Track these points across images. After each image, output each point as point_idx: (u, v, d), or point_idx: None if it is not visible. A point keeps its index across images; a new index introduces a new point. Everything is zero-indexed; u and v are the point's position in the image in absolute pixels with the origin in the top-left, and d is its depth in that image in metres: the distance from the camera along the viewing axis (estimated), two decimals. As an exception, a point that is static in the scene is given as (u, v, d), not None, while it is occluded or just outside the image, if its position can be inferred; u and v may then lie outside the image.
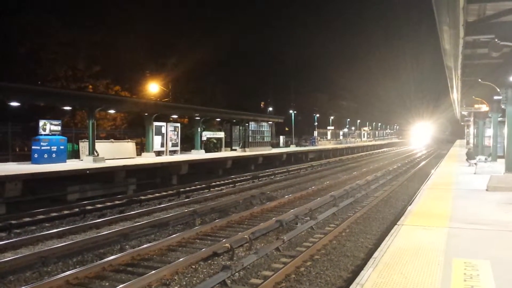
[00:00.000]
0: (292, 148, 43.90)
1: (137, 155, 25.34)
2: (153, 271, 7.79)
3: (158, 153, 26.21)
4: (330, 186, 21.34)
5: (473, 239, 7.46)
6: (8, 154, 22.48)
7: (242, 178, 24.22)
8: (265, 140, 37.33)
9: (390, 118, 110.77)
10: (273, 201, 16.14)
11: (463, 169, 21.09)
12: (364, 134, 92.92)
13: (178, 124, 29.16)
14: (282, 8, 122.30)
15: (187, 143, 32.73)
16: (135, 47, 45.08)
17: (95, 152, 20.78)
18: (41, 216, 13.40)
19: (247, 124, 34.78)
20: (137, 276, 7.76)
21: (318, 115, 71.61)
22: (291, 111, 62.03)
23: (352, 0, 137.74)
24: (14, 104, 20.13)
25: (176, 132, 28.02)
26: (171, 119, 32.90)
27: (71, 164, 19.12)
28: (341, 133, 75.46)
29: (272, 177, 25.61)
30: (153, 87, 43.86)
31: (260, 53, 76.91)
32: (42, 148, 18.94)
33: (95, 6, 46.87)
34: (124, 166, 19.15)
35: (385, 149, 71.63)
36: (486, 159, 21.02)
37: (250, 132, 34.88)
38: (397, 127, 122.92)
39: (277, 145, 45.96)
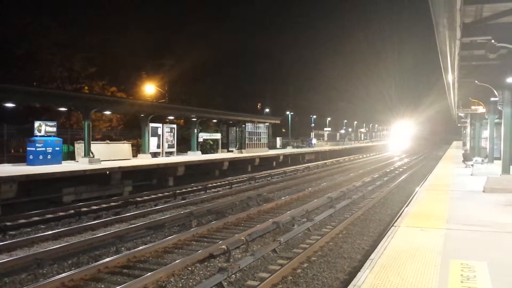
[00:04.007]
0: (289, 150, 43.89)
1: (133, 156, 25.24)
2: (149, 273, 7.74)
3: (154, 155, 26.11)
4: (327, 187, 21.32)
5: (470, 240, 7.45)
6: (3, 155, 22.33)
7: (238, 180, 24.18)
8: (261, 141, 37.28)
9: (387, 119, 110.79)
10: (270, 202, 16.11)
11: (459, 171, 21.11)
12: (361, 135, 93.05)
13: (175, 126, 29.07)
14: (280, 10, 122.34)
15: (184, 144, 32.67)
16: (132, 48, 45.06)
17: (90, 154, 20.68)
18: (36, 218, 13.32)
19: (243, 126, 34.71)
20: (133, 278, 7.71)
21: (315, 116, 71.63)
22: (288, 112, 62.04)
23: (352, 1, 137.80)
24: (9, 105, 20.05)
25: (172, 134, 27.93)
26: (168, 120, 32.85)
27: (67, 166, 19.02)
28: (338, 134, 75.49)
29: (268, 178, 25.58)
30: (150, 88, 43.78)
31: (258, 54, 76.77)
32: (38, 149, 18.83)
33: (92, 8, 46.80)
34: (120, 167, 19.07)
35: (383, 150, 71.64)
36: (482, 160, 21.07)
37: (246, 133, 34.81)
38: (390, 128, 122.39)
39: (274, 146, 45.93)
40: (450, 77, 17.18)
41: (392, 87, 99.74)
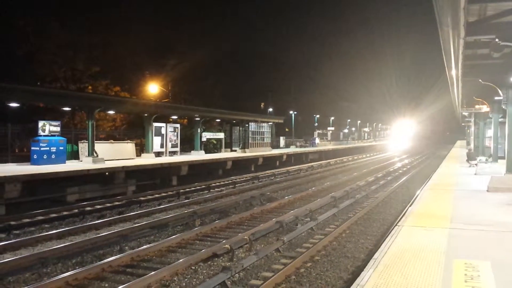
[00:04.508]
0: (292, 149, 43.86)
1: (137, 156, 25.29)
2: (153, 272, 7.76)
3: (158, 154, 26.17)
4: (331, 187, 21.30)
5: (474, 240, 7.43)
6: (7, 155, 22.44)
7: (242, 179, 24.19)
8: (265, 141, 37.27)
9: (390, 118, 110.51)
10: (273, 202, 16.11)
11: (463, 170, 21.05)
12: (364, 135, 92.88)
13: (178, 125, 29.11)
14: (282, 9, 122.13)
15: (187, 144, 32.70)
16: (135, 47, 45.10)
17: (94, 153, 20.74)
18: (41, 217, 13.37)
19: (247, 125, 34.71)
20: (137, 277, 7.73)
21: (318, 116, 71.55)
22: (291, 112, 62.00)
23: (352, 0, 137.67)
24: (14, 104, 20.11)
25: (175, 133, 27.98)
26: (171, 120, 32.88)
27: (71, 165, 19.09)
28: (341, 134, 75.38)
29: (272, 178, 25.57)
30: (153, 88, 43.85)
31: (260, 54, 76.68)
32: (42, 149, 18.90)
33: (94, 7, 46.89)
34: (123, 167, 19.12)
35: (386, 149, 71.45)
36: (486, 159, 21.00)
37: (250, 133, 34.81)
38: (393, 127, 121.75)
39: (277, 146, 45.94)
40: (454, 76, 17.14)
41: (394, 86, 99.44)
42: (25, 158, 20.90)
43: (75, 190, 16.94)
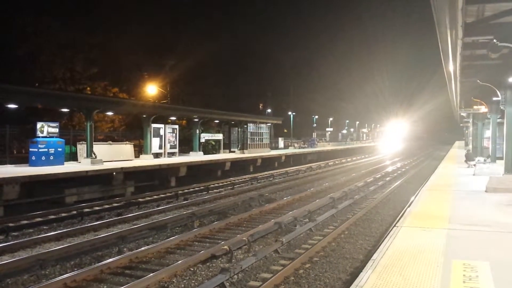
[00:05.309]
0: (291, 150, 43.85)
1: (135, 157, 25.25)
2: (151, 274, 7.76)
3: (157, 155, 26.12)
4: (329, 187, 21.30)
5: (473, 240, 7.44)
6: (5, 156, 22.40)
7: (240, 180, 24.18)
8: (263, 141, 37.27)
9: (389, 119, 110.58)
10: (272, 203, 16.11)
11: (462, 171, 21.08)
12: (363, 135, 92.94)
13: (177, 126, 29.07)
14: (281, 9, 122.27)
15: (186, 145, 32.66)
16: (133, 48, 45.02)
17: (93, 154, 20.71)
18: (39, 219, 13.35)
19: (245, 126, 34.71)
20: (135, 279, 7.72)
21: (317, 117, 71.52)
22: (289, 113, 61.95)
23: (352, 1, 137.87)
24: (12, 106, 20.08)
25: (174, 134, 27.95)
26: (169, 121, 32.85)
27: (69, 167, 19.06)
28: (340, 134, 75.35)
29: (271, 179, 25.56)
30: (152, 89, 43.81)
31: (259, 55, 76.59)
32: (40, 150, 18.86)
33: (93, 8, 46.77)
34: (122, 168, 19.10)
35: (385, 151, 71.46)
36: (485, 160, 21.01)
37: (248, 134, 34.81)
38: (393, 128, 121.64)
39: (276, 147, 45.90)
40: (452, 76, 17.17)
41: (395, 87, 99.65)
42: (23, 159, 20.87)
43: (74, 191, 16.91)
